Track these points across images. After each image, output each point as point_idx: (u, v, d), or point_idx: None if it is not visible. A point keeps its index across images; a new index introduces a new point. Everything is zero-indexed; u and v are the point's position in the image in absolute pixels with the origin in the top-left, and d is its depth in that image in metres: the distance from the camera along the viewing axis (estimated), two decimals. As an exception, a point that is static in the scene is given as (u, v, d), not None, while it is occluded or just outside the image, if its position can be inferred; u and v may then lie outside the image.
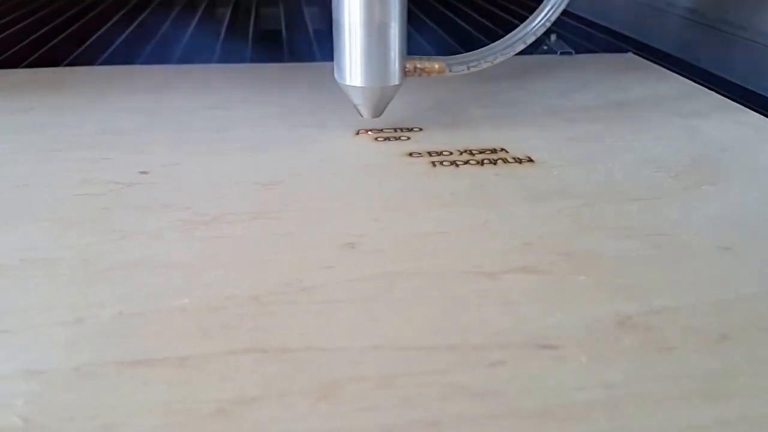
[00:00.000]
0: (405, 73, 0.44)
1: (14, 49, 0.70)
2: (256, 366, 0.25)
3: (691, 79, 0.58)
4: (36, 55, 0.69)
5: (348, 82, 0.43)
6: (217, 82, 0.57)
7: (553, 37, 0.68)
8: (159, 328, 0.27)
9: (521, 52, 0.72)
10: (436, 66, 0.45)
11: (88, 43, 0.74)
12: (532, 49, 0.71)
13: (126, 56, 0.70)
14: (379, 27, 0.41)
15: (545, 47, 0.68)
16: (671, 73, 0.60)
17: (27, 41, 0.73)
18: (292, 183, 0.39)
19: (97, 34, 0.78)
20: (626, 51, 0.68)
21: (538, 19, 0.46)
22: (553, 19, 0.45)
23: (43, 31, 0.78)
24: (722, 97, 0.53)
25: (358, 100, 0.44)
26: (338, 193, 0.38)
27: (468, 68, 0.46)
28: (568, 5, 0.45)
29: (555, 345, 0.25)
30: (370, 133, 0.46)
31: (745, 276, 0.30)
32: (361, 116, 0.45)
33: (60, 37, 0.76)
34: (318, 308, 0.28)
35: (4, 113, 0.50)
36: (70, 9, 0.90)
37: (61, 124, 0.47)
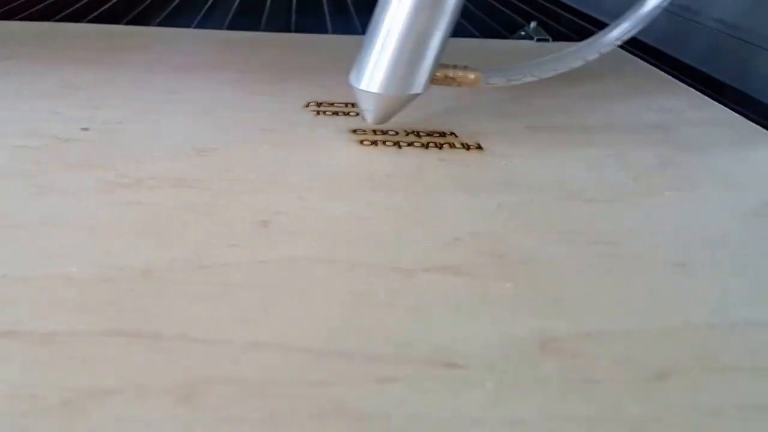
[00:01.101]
0: (433, 80, 0.39)
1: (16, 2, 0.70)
2: (122, 352, 0.22)
3: (667, 72, 0.56)
4: (32, 9, 0.70)
5: (364, 87, 0.38)
6: (187, 45, 0.58)
7: (532, 23, 0.65)
8: (37, 296, 0.25)
9: (496, 36, 0.69)
10: (471, 76, 0.40)
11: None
12: (509, 34, 0.68)
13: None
14: (419, 36, 0.37)
15: (522, 33, 0.65)
16: (648, 65, 0.57)
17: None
18: (225, 151, 0.37)
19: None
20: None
21: (610, 35, 0.41)
22: (627, 38, 0.41)
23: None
24: (699, 94, 0.50)
25: (366, 105, 0.39)
26: (268, 166, 0.35)
27: (509, 81, 0.41)
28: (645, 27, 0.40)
29: (461, 364, 0.22)
30: (320, 106, 0.44)
31: (696, 301, 0.26)
32: (365, 121, 0.40)
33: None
34: (210, 291, 0.25)
35: None
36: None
37: (29, 76, 0.48)
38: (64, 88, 0.45)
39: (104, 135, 0.38)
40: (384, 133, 0.40)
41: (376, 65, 0.37)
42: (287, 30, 0.71)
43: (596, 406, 0.21)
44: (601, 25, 0.72)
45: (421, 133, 0.40)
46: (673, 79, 0.54)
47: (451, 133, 0.40)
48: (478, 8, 0.79)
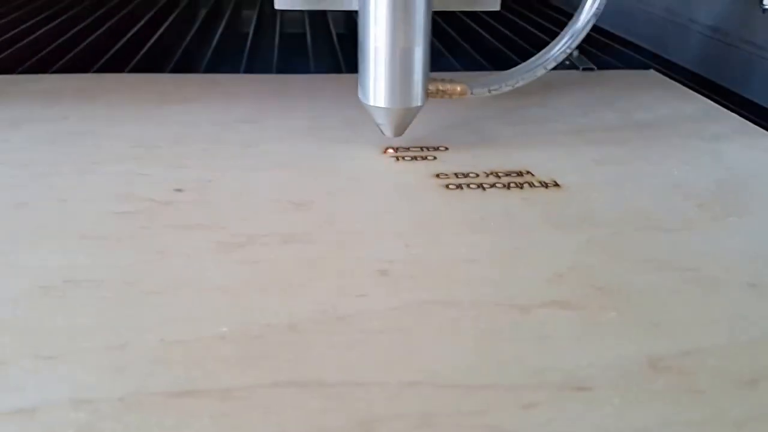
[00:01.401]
0: (427, 94, 0.45)
1: (41, 54, 0.70)
2: (297, 401, 0.25)
3: (710, 98, 0.59)
4: (64, 60, 0.69)
5: (371, 103, 0.44)
6: (245, 92, 0.58)
7: (575, 52, 0.68)
8: (201, 357, 0.27)
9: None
10: (458, 88, 0.46)
11: (116, 48, 0.75)
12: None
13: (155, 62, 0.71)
14: (403, 51, 0.43)
15: (567, 62, 0.68)
16: (692, 92, 0.60)
17: (53, 46, 0.74)
18: (322, 203, 0.39)
19: (125, 39, 0.79)
20: (646, 64, 0.69)
21: (559, 46, 0.47)
22: (573, 46, 0.46)
23: (68, 35, 0.79)
24: (743, 120, 0.53)
25: (380, 120, 0.45)
26: (368, 215, 0.38)
27: (489, 91, 0.46)
28: (587, 34, 0.46)
29: (589, 387, 0.26)
30: (397, 151, 0.47)
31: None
32: (383, 135, 0.46)
33: (86, 42, 0.76)
34: (354, 339, 0.28)
35: (41, 121, 0.51)
36: (94, 13, 0.91)
37: (97, 135, 0.48)
38: (137, 148, 0.46)
39: (199, 194, 0.40)
40: (465, 176, 0.43)
41: (376, 82, 0.43)
42: (337, 69, 0.73)
43: (704, 412, 0.25)
44: (630, 46, 0.76)
45: (500, 174, 0.43)
46: (712, 103, 0.57)
47: (528, 172, 0.43)
48: (518, 36, 0.82)
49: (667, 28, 0.77)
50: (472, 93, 0.46)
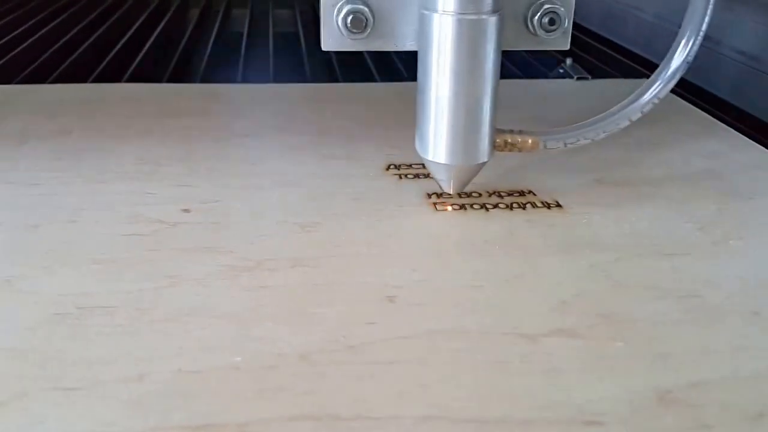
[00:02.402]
0: (494, 147, 0.41)
1: (38, 62, 0.70)
2: None
3: (705, 109, 0.59)
4: (61, 68, 0.69)
5: (430, 158, 0.40)
6: (246, 105, 0.59)
7: (568, 60, 0.68)
8: (216, 388, 0.28)
9: (536, 76, 0.73)
10: (530, 141, 0.42)
11: (111, 55, 0.75)
12: (548, 71, 0.72)
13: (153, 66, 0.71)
14: (470, 102, 0.38)
15: (561, 71, 0.68)
16: (689, 104, 0.61)
17: (48, 53, 0.74)
18: (328, 225, 0.40)
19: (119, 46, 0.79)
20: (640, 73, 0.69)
21: (647, 94, 0.42)
22: (662, 95, 0.42)
23: (62, 42, 0.79)
24: (741, 135, 0.54)
25: (440, 176, 0.42)
26: (372, 239, 0.39)
27: (566, 145, 0.42)
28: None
29: (600, 422, 0.26)
30: (399, 168, 0.47)
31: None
32: (443, 191, 0.43)
33: (81, 49, 0.76)
34: (366, 370, 0.29)
35: (45, 136, 0.51)
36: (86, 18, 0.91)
37: (102, 151, 0.49)
38: (143, 165, 0.46)
39: (207, 216, 0.40)
40: (468, 195, 0.43)
41: (437, 135, 0.39)
42: (333, 76, 0.74)
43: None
44: (626, 54, 0.77)
45: (502, 194, 0.43)
46: (712, 119, 0.57)
47: (530, 192, 0.44)
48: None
49: (659, 35, 0.77)
50: (545, 147, 0.42)
